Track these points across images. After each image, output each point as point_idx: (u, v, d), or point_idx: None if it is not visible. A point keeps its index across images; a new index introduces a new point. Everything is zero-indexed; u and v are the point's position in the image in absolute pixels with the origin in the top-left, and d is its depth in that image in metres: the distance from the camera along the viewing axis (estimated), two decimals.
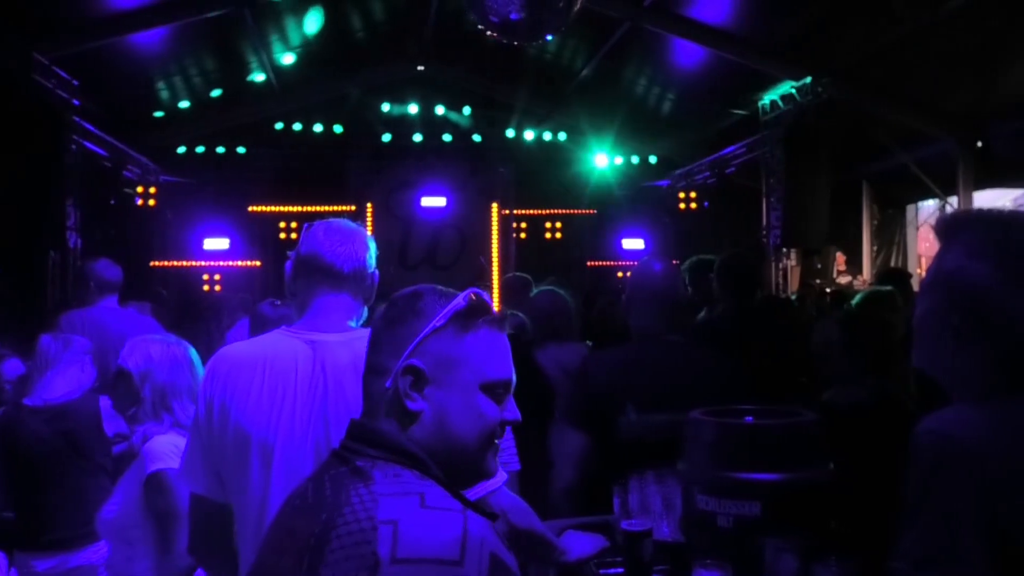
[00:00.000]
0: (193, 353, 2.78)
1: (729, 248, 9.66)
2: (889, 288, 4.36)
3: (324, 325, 1.91)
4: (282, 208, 12.85)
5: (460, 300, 1.36)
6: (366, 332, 1.89)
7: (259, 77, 11.26)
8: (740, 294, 3.85)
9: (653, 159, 14.19)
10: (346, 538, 1.13)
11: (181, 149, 12.57)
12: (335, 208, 12.44)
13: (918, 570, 1.12)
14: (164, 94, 11.09)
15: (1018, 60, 8.38)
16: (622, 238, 14.44)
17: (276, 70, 11.18)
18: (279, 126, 12.77)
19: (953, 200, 10.34)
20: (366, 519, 1.13)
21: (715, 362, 2.66)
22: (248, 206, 12.86)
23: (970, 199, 10.28)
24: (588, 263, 14.16)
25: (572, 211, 14.40)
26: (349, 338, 1.88)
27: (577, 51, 11.25)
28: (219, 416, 1.82)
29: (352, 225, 2.11)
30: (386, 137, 13.16)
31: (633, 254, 14.49)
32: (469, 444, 1.30)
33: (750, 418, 1.84)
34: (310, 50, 11.19)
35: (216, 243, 12.70)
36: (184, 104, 11.44)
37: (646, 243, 14.54)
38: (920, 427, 1.19)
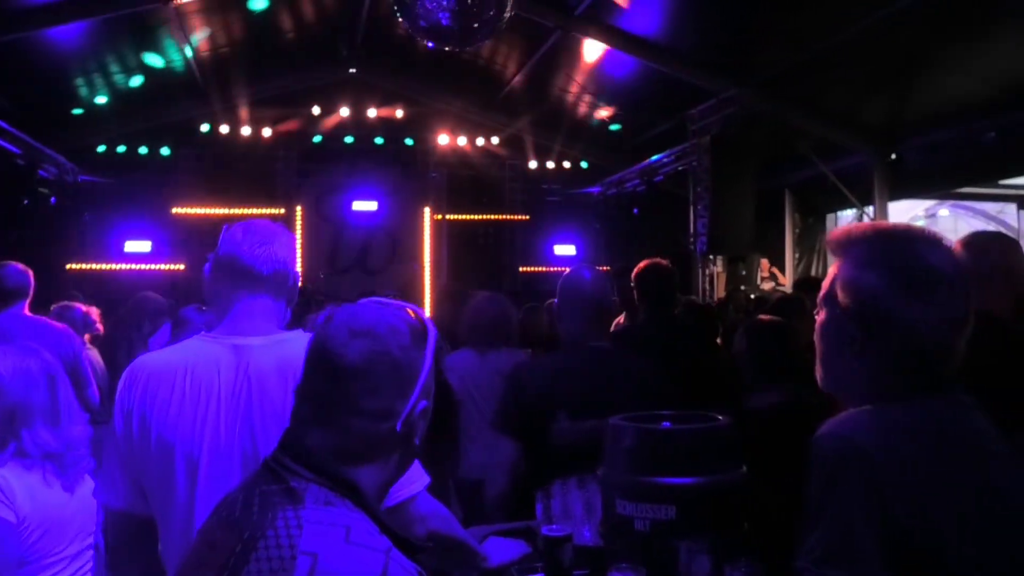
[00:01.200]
0: (58, 367, 2.34)
1: (656, 254, 9.83)
2: (797, 295, 4.49)
3: (246, 329, 1.85)
4: (208, 211, 12.55)
5: (432, 329, 1.34)
6: (292, 335, 1.86)
7: (184, 75, 10.97)
8: (659, 301, 3.91)
9: (584, 165, 14.37)
10: (265, 563, 1.11)
11: (101, 148, 12.16)
12: (263, 211, 12.20)
13: (819, 569, 1.17)
14: (83, 91, 10.70)
15: (929, 77, 8.78)
16: (553, 244, 14.57)
17: (202, 69, 10.91)
18: (206, 128, 12.46)
19: (870, 210, 10.75)
20: (288, 547, 1.11)
21: (642, 368, 2.71)
22: (172, 208, 12.51)
23: (885, 209, 10.71)
24: (520, 269, 14.23)
25: (504, 216, 14.46)
26: (273, 341, 1.83)
27: (509, 57, 11.31)
28: (139, 427, 1.76)
29: (272, 225, 2.03)
30: (316, 139, 13.00)
31: (564, 260, 14.63)
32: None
33: (667, 423, 1.88)
34: (237, 50, 10.97)
35: (137, 245, 12.32)
36: (104, 102, 11.06)
37: (577, 249, 14.71)
38: (820, 432, 1.25)
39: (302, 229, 12.98)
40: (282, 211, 12.64)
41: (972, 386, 2.21)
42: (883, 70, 8.95)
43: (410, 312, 1.35)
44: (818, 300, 1.39)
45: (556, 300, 2.76)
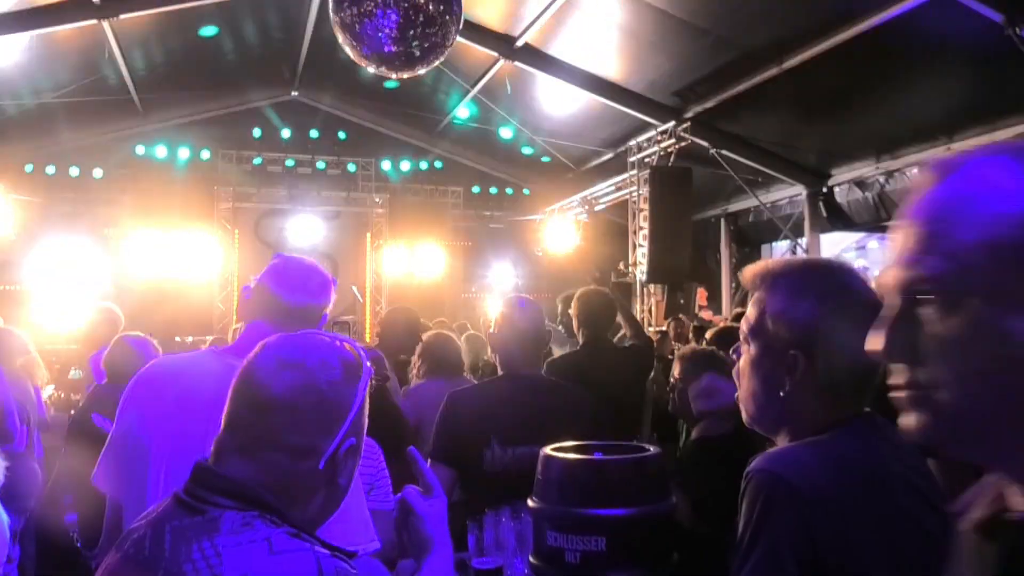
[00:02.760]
0: None
1: (598, 282, 9.91)
2: (736, 325, 4.57)
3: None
4: (143, 232, 12.22)
5: (366, 365, 1.31)
6: None
7: (120, 95, 10.72)
8: (597, 328, 3.97)
9: (527, 192, 14.48)
10: None
11: (29, 168, 11.78)
12: (200, 233, 11.97)
13: None
14: (12, 111, 10.37)
15: (856, 114, 9.13)
16: (496, 271, 14.61)
17: (139, 89, 10.68)
18: (140, 150, 12.17)
19: (802, 242, 11.08)
20: None
21: (575, 396, 2.74)
22: (104, 229, 12.16)
23: (817, 241, 11.05)
24: (462, 295, 14.21)
25: (448, 242, 14.46)
26: None
27: (453, 84, 11.38)
28: (121, 425, 1.93)
29: (313, 265, 2.15)
30: (256, 161, 12.82)
31: (507, 287, 14.68)
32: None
33: (599, 454, 1.89)
34: (176, 69, 10.78)
35: None
36: (33, 121, 10.72)
37: (519, 276, 14.77)
38: (752, 466, 1.26)
39: (239, 253, 12.77)
40: (220, 234, 12.41)
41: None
42: (811, 109, 9.29)
43: (347, 347, 1.31)
44: (743, 336, 1.41)
45: (491, 329, 2.78)
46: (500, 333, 2.74)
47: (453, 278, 14.46)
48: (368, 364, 1.33)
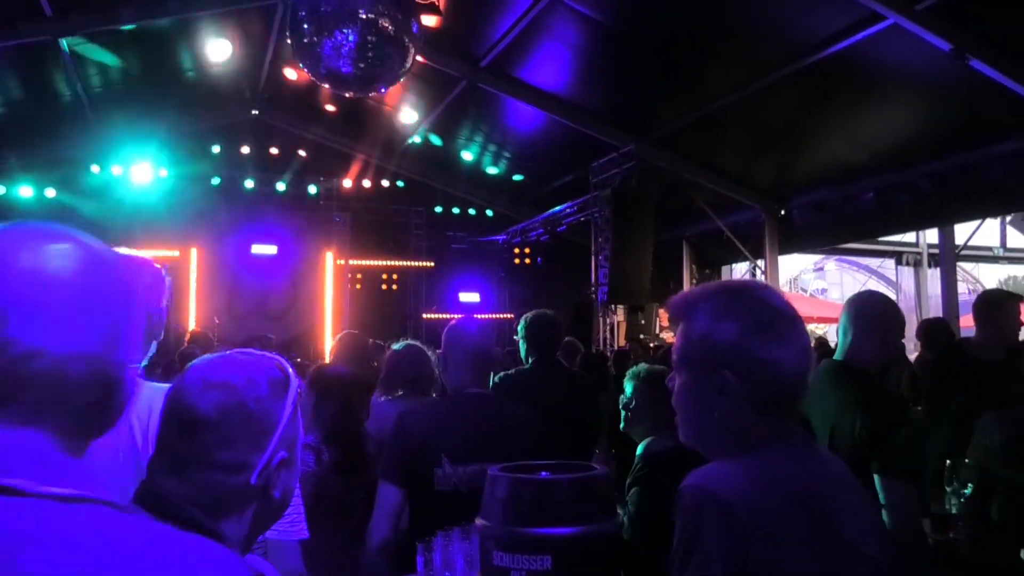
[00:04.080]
0: None
1: (559, 302, 9.96)
2: None
3: None
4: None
5: (294, 380, 1.31)
6: None
7: (74, 111, 10.55)
8: (544, 349, 4.04)
9: (490, 213, 14.51)
10: None
11: None
12: (157, 253, 11.77)
13: None
14: None
15: (812, 141, 9.32)
16: (458, 291, 14.58)
17: (94, 105, 10.52)
18: (95, 169, 11.96)
19: (761, 263, 11.24)
20: None
21: (522, 415, 2.74)
22: None
23: (776, 262, 11.22)
24: (424, 315, 14.15)
25: (409, 263, 14.41)
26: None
27: (416, 105, 11.40)
28: None
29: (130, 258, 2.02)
30: (215, 180, 12.67)
31: (469, 307, 14.66)
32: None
33: (546, 473, 1.88)
34: (133, 87, 10.65)
35: None
36: None
37: (482, 297, 14.76)
38: (685, 482, 1.28)
39: (198, 272, 12.59)
40: (177, 253, 12.23)
41: (827, 427, 2.30)
42: (769, 133, 9.47)
43: (275, 362, 1.32)
44: (673, 364, 1.44)
45: (441, 350, 2.77)
46: (448, 352, 2.74)
47: (416, 299, 14.41)
48: (296, 379, 1.34)
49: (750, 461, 1.31)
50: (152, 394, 1.92)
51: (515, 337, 4.49)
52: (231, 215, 12.76)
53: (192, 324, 11.83)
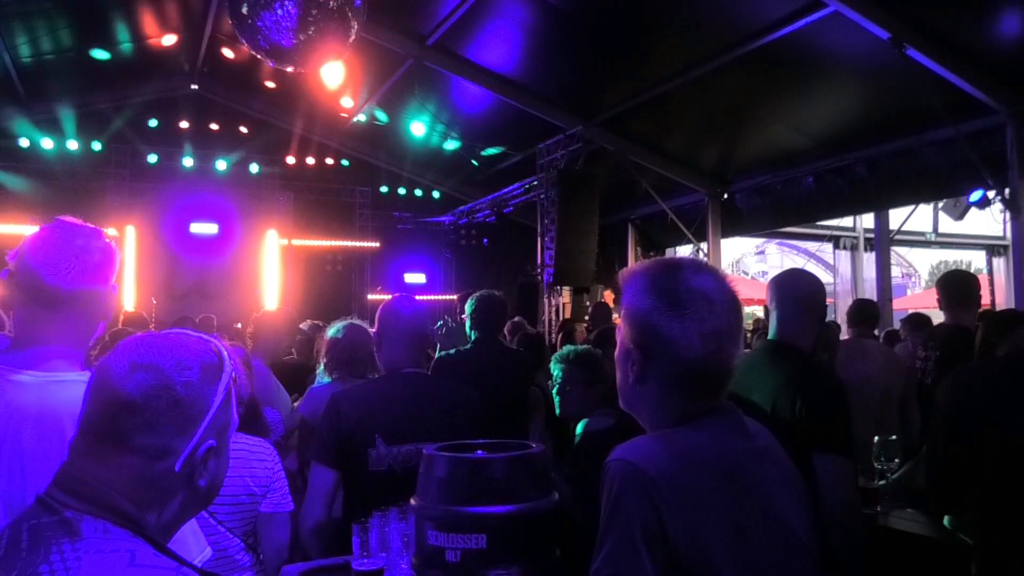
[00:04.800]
0: None
1: (504, 283, 9.97)
2: (614, 325, 4.66)
3: (30, 361, 1.65)
4: (28, 229, 11.55)
5: (228, 364, 1.27)
6: (71, 377, 1.68)
7: (3, 84, 10.11)
8: (488, 329, 4.07)
9: (436, 195, 14.41)
10: None
11: None
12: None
13: None
14: None
15: (754, 126, 9.46)
16: (404, 272, 14.49)
17: (23, 76, 10.10)
18: (25, 142, 11.51)
19: (704, 246, 11.40)
20: None
21: (459, 393, 2.73)
22: None
23: (719, 245, 11.39)
24: (369, 296, 14.03)
25: (354, 243, 14.24)
26: (47, 381, 1.63)
27: (362, 82, 11.20)
28: None
29: (93, 232, 1.79)
30: (152, 157, 12.30)
31: (415, 288, 14.58)
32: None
33: (481, 452, 1.87)
34: (65, 57, 10.25)
35: None
36: None
37: (428, 277, 14.70)
38: (610, 456, 1.31)
39: (136, 251, 12.24)
40: (113, 231, 11.86)
41: (768, 404, 2.34)
42: (714, 117, 9.58)
43: (210, 345, 1.28)
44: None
45: (375, 330, 2.74)
46: (382, 332, 2.70)
47: (360, 280, 14.27)
48: (229, 364, 1.28)
49: (673, 435, 1.35)
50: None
51: (461, 316, 4.50)
52: (170, 192, 12.43)
53: (129, 305, 11.52)
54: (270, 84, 11.24)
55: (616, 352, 1.45)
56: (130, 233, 12.17)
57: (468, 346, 4.08)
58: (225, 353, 1.29)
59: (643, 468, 1.25)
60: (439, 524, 1.75)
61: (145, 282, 12.03)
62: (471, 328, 4.09)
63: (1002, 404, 2.25)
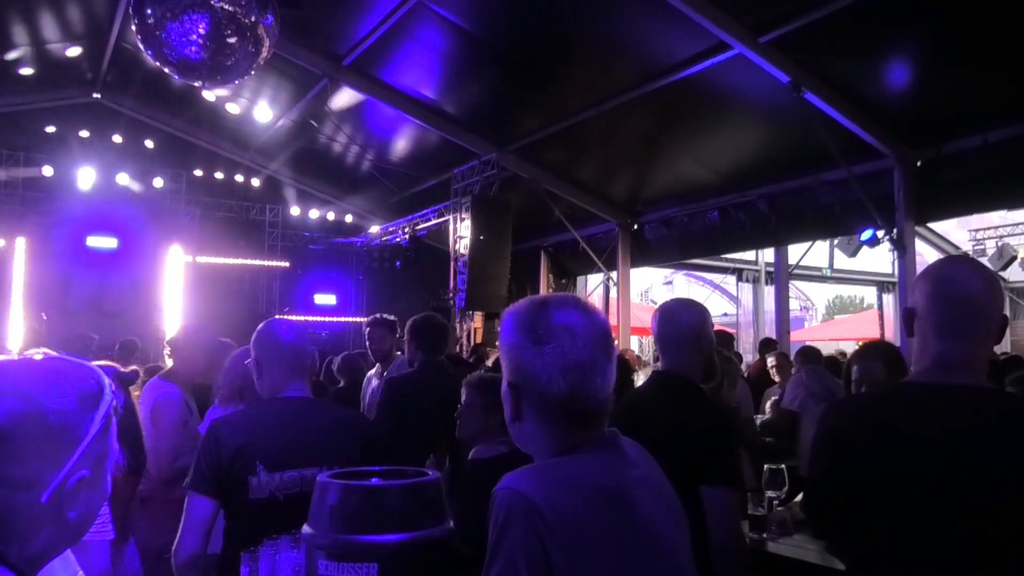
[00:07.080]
0: None
1: (417, 307, 9.89)
2: None
3: None
4: None
5: (108, 392, 1.20)
6: None
7: None
8: (433, 351, 4.10)
9: (349, 217, 14.24)
10: None
11: None
12: None
13: None
14: None
15: (664, 158, 9.75)
16: (314, 293, 14.23)
17: None
18: None
19: (614, 275, 11.63)
20: None
21: (340, 417, 2.68)
22: None
23: (628, 274, 11.64)
24: (276, 317, 13.68)
25: (263, 262, 13.91)
26: None
27: (275, 99, 11.02)
28: None
29: None
30: (47, 167, 11.70)
31: (325, 309, 14.34)
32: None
33: (376, 480, 1.85)
34: None
35: None
36: None
37: (338, 299, 14.48)
38: (497, 485, 1.32)
39: (25, 264, 11.62)
40: (1, 243, 11.26)
41: (658, 436, 2.40)
42: (625, 149, 9.83)
43: (90, 372, 1.21)
44: None
45: (252, 356, 2.64)
46: (262, 357, 2.62)
47: (269, 299, 13.93)
48: (110, 392, 1.23)
49: (557, 464, 1.37)
50: None
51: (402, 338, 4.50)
52: (66, 203, 11.85)
53: (16, 320, 10.91)
54: (179, 97, 10.93)
55: (503, 388, 1.46)
56: (20, 245, 11.55)
57: (412, 369, 4.08)
58: (106, 381, 1.24)
59: (528, 496, 1.26)
60: (330, 553, 1.71)
61: (36, 297, 11.41)
62: (413, 351, 4.10)
63: (876, 434, 2.36)
